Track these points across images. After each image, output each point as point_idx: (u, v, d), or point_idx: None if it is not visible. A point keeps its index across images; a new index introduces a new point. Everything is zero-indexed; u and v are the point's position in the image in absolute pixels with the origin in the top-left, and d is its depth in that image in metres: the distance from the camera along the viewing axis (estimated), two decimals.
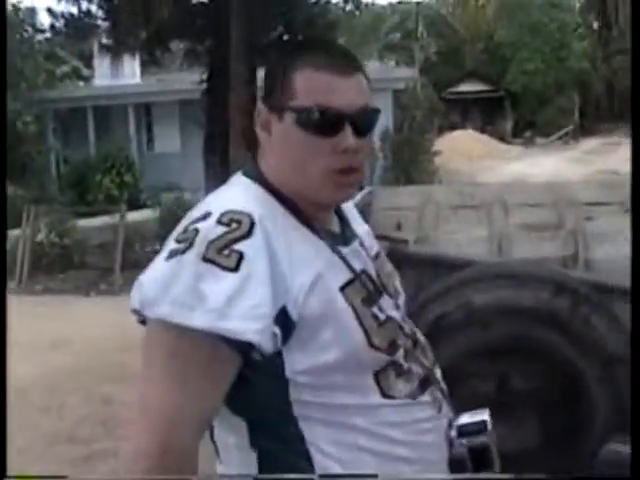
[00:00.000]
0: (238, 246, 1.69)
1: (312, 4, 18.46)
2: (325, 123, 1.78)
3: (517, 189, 5.77)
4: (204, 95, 15.76)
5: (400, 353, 1.92)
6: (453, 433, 1.98)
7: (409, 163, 24.02)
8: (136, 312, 1.75)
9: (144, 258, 16.25)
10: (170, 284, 1.68)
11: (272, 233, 1.74)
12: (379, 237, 4.37)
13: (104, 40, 18.58)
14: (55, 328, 11.57)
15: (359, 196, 4.72)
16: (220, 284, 1.66)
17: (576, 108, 45.96)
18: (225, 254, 1.68)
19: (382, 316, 1.89)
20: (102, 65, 26.27)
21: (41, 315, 12.85)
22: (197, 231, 1.72)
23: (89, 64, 33.78)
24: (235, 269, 1.67)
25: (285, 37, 17.04)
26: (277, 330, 1.70)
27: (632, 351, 1.88)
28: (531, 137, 45.24)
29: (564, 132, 44.41)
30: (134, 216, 17.93)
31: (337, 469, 1.81)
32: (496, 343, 4.18)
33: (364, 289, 1.87)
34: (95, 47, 24.72)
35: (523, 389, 4.37)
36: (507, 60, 47.49)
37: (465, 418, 2.01)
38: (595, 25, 51.00)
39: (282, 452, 1.80)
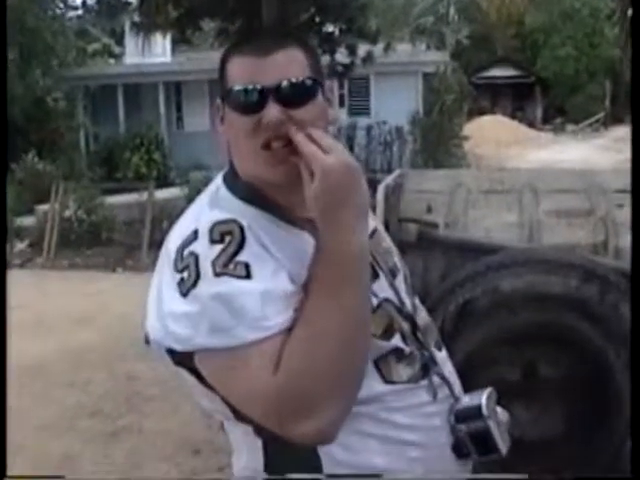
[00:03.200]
0: (240, 257, 1.72)
1: None
2: (248, 101, 1.81)
3: (547, 175, 5.71)
4: None
5: (397, 337, 1.93)
6: (452, 418, 1.98)
7: (438, 147, 23.94)
8: (168, 351, 1.79)
9: None
10: (200, 319, 1.71)
11: (262, 237, 1.78)
12: (409, 220, 4.37)
13: (135, 18, 18.56)
14: (81, 304, 11.64)
15: (390, 178, 4.70)
16: (245, 292, 1.70)
17: (607, 95, 45.62)
18: (231, 267, 1.71)
19: (375, 301, 1.89)
20: (133, 43, 26.17)
21: (67, 290, 12.93)
22: (195, 256, 1.74)
23: (120, 42, 33.82)
24: (247, 277, 1.70)
25: (317, 18, 17.03)
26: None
27: (632, 351, 1.86)
28: (561, 124, 44.93)
29: (594, 119, 44.10)
30: (162, 194, 17.95)
31: (342, 455, 1.83)
32: (523, 329, 4.15)
33: None
34: (126, 25, 24.68)
35: (550, 376, 4.34)
36: (538, 46, 47.18)
37: (464, 402, 2.01)
38: (629, 12, 50.60)
39: (290, 446, 1.77)
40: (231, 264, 1.71)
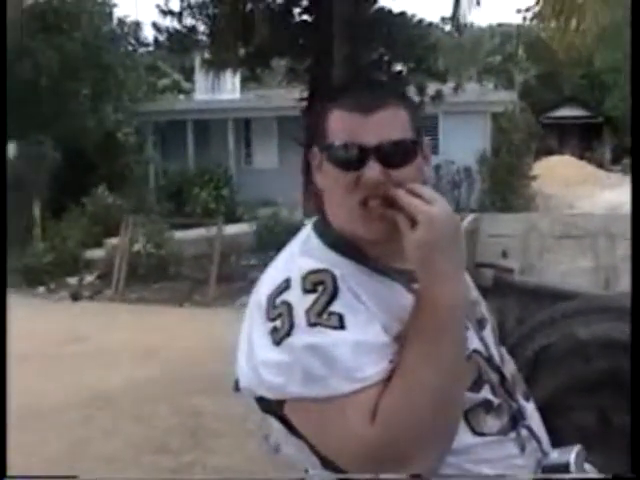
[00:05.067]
0: (333, 308, 1.72)
1: (413, 26, 18.44)
2: (349, 158, 1.82)
3: (622, 220, 5.63)
4: (304, 113, 15.81)
5: (486, 388, 1.92)
6: (539, 472, 1.95)
7: (506, 187, 23.81)
8: (258, 399, 1.82)
9: (238, 271, 16.37)
10: (294, 368, 1.71)
11: (354, 287, 1.78)
12: (486, 265, 4.31)
13: (206, 55, 18.77)
14: (148, 337, 11.69)
15: (465, 222, 4.67)
16: (338, 343, 1.69)
17: None
18: (325, 318, 1.71)
19: (465, 351, 1.87)
20: (202, 79, 26.51)
21: (134, 323, 13.00)
22: (288, 305, 1.75)
23: (189, 78, 34.21)
24: (341, 327, 1.70)
25: (386, 57, 17.07)
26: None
27: (632, 351, 1.84)
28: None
29: None
30: (230, 230, 18.04)
31: None
32: (598, 376, 4.08)
33: None
34: (196, 61, 24.98)
35: (625, 424, 4.24)
36: (607, 86, 46.84)
37: (552, 457, 1.98)
38: None
39: None
40: (325, 314, 1.71)
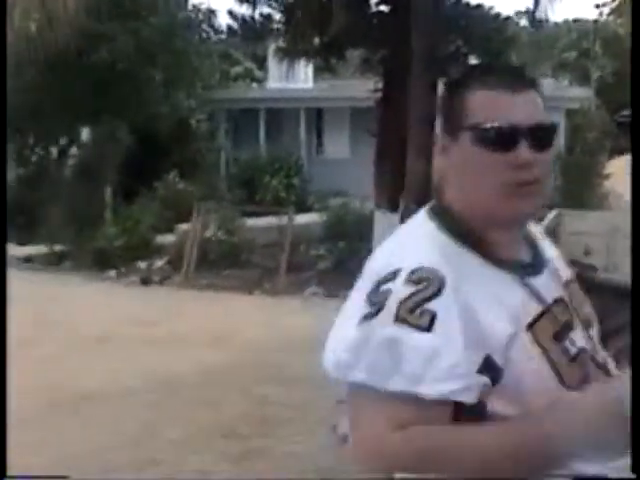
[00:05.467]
0: (429, 305, 1.70)
1: (490, 19, 18.28)
2: (501, 139, 1.79)
3: None
4: (378, 104, 15.74)
5: None
6: None
7: (580, 185, 23.51)
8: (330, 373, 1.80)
9: (308, 261, 16.39)
10: (363, 349, 1.72)
11: (461, 287, 1.74)
12: (569, 262, 4.26)
13: (280, 43, 18.79)
14: (217, 324, 11.75)
15: (546, 220, 4.62)
16: (415, 346, 1.68)
17: None
18: (417, 314, 1.69)
19: (573, 350, 1.86)
20: (275, 68, 26.53)
21: (204, 310, 13.09)
22: (388, 293, 1.73)
23: (262, 66, 34.25)
24: (428, 329, 1.68)
25: (462, 50, 16.93)
26: (485, 380, 1.71)
27: (632, 350, 1.82)
28: None
29: None
30: (301, 219, 18.06)
31: None
32: None
33: (555, 322, 1.85)
34: (270, 50, 25.00)
35: None
36: None
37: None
38: None
39: None
40: (417, 310, 1.69)
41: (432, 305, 1.69)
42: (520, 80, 1.85)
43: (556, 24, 50.53)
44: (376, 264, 1.84)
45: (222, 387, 8.59)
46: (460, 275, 1.75)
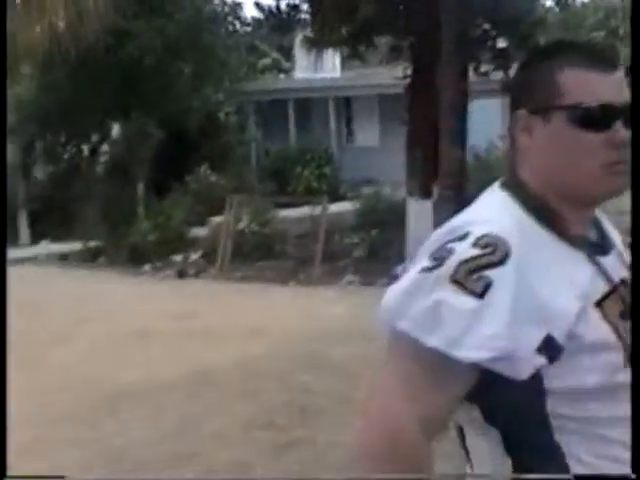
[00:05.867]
0: (488, 272, 1.68)
1: (518, 1, 18.13)
2: (600, 118, 1.79)
3: None
4: (407, 91, 15.67)
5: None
6: None
7: None
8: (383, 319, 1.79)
9: (342, 250, 16.38)
10: (413, 299, 1.71)
11: (528, 261, 1.72)
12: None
13: (307, 34, 18.75)
14: (253, 315, 11.79)
15: None
16: (461, 308, 1.67)
17: None
18: (474, 278, 1.68)
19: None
20: (302, 58, 26.51)
21: (239, 302, 13.13)
22: (452, 251, 1.72)
23: (289, 57, 34.24)
24: (480, 295, 1.67)
25: (491, 34, 16.81)
26: (542, 359, 1.70)
27: (632, 349, 1.80)
28: None
29: None
30: (333, 208, 18.03)
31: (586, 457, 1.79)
32: None
33: (621, 302, 1.83)
34: (297, 40, 24.99)
35: None
36: None
37: None
38: None
39: (538, 462, 1.77)
40: (475, 275, 1.68)
41: (491, 273, 1.68)
42: (609, 60, 1.85)
43: (583, 3, 50.18)
44: (444, 228, 1.82)
45: (260, 378, 8.61)
46: (529, 248, 1.74)
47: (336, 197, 21.15)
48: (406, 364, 1.73)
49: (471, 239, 1.72)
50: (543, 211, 1.84)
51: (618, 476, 1.75)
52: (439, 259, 1.72)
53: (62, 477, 5.05)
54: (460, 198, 11.68)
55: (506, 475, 1.82)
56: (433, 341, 1.67)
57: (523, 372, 1.68)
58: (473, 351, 1.65)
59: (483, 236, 1.72)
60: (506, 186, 1.92)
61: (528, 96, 1.88)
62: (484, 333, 1.65)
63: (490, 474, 1.86)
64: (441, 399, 1.73)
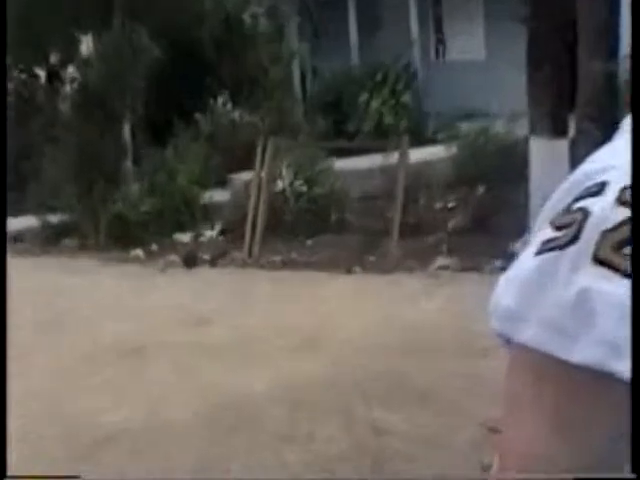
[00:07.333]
0: None
1: None
2: None
3: None
4: None
5: None
6: None
7: None
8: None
9: (432, 218, 16.30)
10: (539, 294, 1.64)
11: None
12: None
13: None
14: (300, 320, 11.81)
15: None
16: (612, 301, 1.59)
17: None
18: (625, 252, 1.61)
19: None
20: None
21: (280, 299, 13.13)
22: (586, 214, 1.64)
23: None
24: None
25: None
26: None
27: (632, 349, 1.78)
28: None
29: None
30: (416, 155, 17.94)
31: None
32: None
33: None
34: None
35: None
36: None
37: None
38: None
39: None
40: (628, 247, 1.62)
41: None
42: None
43: None
44: (573, 177, 1.79)
45: (315, 414, 8.66)
46: None
47: (421, 139, 21.10)
48: (542, 389, 1.66)
49: (612, 194, 1.65)
50: None
51: (618, 476, 1.76)
52: (568, 227, 1.65)
53: (77, 477, 5.59)
54: (609, 134, 11.57)
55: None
56: (582, 354, 1.60)
57: None
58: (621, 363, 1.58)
59: (629, 187, 1.67)
60: None
61: None
62: None
63: None
64: (601, 435, 1.64)
